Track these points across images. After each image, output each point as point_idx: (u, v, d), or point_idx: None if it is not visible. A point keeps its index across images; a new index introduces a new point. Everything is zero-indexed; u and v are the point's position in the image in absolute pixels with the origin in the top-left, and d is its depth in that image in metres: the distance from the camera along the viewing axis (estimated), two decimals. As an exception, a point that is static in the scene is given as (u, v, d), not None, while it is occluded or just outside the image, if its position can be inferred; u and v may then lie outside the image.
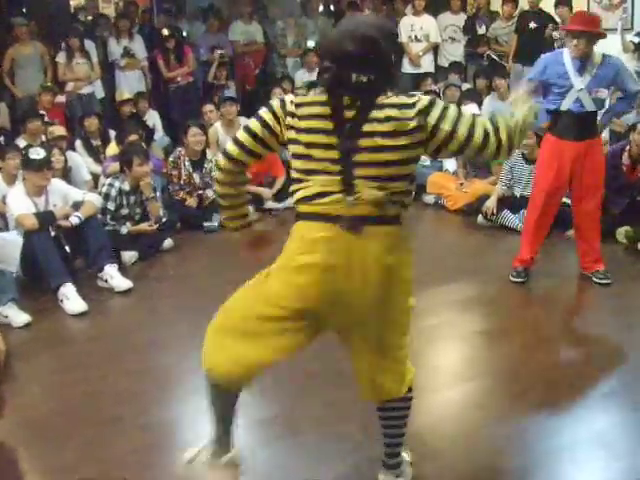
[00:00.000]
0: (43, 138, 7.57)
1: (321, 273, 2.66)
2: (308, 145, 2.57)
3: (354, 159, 2.55)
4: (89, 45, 9.53)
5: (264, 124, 2.72)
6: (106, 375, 4.25)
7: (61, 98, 9.15)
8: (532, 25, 9.15)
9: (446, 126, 2.56)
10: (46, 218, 5.67)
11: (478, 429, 3.63)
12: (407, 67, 10.07)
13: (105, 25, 10.66)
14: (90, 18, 11.30)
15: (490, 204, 6.69)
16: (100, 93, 9.65)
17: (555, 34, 8.65)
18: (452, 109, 2.59)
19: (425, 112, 2.54)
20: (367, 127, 2.52)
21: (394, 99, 2.56)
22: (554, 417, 3.73)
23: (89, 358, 4.52)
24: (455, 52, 10.20)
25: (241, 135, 2.75)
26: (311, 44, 10.73)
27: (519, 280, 5.54)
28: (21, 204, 5.71)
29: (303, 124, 2.59)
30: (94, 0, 12.07)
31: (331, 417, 3.77)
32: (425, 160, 8.08)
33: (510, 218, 6.62)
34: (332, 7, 12.89)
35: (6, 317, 5.07)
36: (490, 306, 5.15)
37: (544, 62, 5.25)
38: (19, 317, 5.09)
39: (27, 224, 5.53)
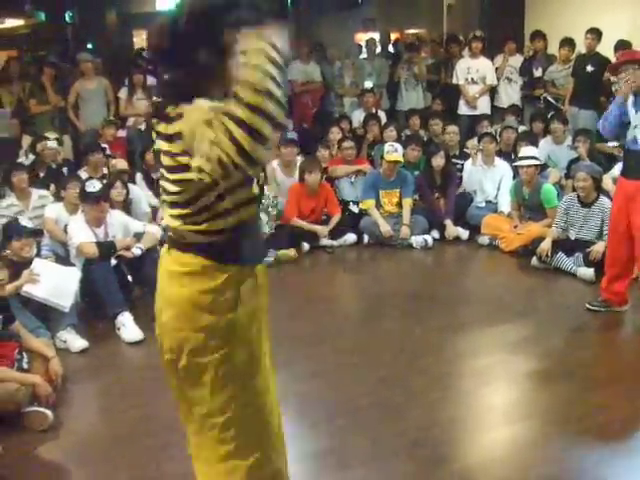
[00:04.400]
0: (104, 171, 7.77)
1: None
2: None
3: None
4: (151, 81, 9.75)
5: None
6: (159, 402, 4.31)
7: (122, 132, 9.38)
8: (589, 69, 9.14)
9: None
10: (107, 248, 5.80)
11: (528, 470, 3.61)
12: (463, 109, 10.13)
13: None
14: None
15: (545, 246, 6.66)
16: (161, 128, 9.86)
17: (613, 78, 8.63)
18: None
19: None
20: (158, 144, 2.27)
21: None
22: (605, 462, 3.68)
23: (143, 385, 4.59)
24: (512, 93, 10.22)
25: None
26: (368, 84, 10.85)
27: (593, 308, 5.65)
28: (82, 233, 5.85)
29: None
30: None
31: (380, 452, 3.77)
32: (480, 202, 8.11)
33: (565, 261, 6.58)
34: (390, 48, 13.02)
35: (64, 342, 5.20)
36: (543, 347, 5.11)
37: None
38: (77, 342, 5.21)
39: (88, 252, 5.67)
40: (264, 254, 2.45)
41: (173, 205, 2.32)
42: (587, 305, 5.68)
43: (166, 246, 2.49)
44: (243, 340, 2.39)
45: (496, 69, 10.11)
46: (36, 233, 5.74)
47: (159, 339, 2.47)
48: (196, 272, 2.33)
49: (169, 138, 2.19)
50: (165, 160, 2.26)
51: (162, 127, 2.23)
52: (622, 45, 8.70)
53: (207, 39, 2.16)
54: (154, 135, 2.31)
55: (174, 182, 2.26)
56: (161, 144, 2.25)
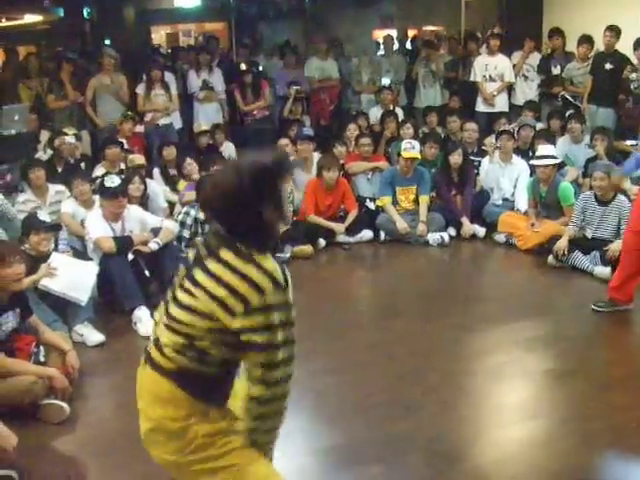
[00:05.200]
0: (122, 166, 7.81)
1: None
2: None
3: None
4: (169, 77, 9.78)
5: None
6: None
7: (140, 128, 9.41)
8: (608, 67, 9.08)
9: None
10: (124, 242, 5.83)
11: (541, 468, 3.60)
12: (481, 106, 10.10)
13: (185, 58, 10.97)
14: (170, 51, 11.62)
15: (561, 245, 6.63)
16: (178, 124, 9.89)
17: (632, 76, 8.59)
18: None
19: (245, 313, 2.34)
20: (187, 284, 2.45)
21: (236, 262, 2.37)
22: (620, 460, 3.68)
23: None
24: (528, 91, 10.18)
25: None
26: (386, 81, 10.84)
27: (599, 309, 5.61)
28: (99, 228, 5.89)
29: None
30: (174, 34, 12.41)
31: (394, 449, 3.77)
32: (497, 200, 8.09)
33: (581, 259, 6.55)
34: (408, 45, 13.00)
35: (81, 335, 5.23)
36: (558, 346, 5.10)
37: None
38: (94, 336, 5.25)
39: (105, 247, 5.71)
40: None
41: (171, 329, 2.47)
42: (592, 306, 5.64)
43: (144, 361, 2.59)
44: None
45: (513, 66, 10.08)
46: (54, 228, 5.77)
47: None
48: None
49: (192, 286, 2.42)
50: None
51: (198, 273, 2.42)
52: (642, 43, 8.64)
53: (270, 198, 2.40)
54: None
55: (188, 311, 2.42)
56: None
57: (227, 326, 2.34)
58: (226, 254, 2.36)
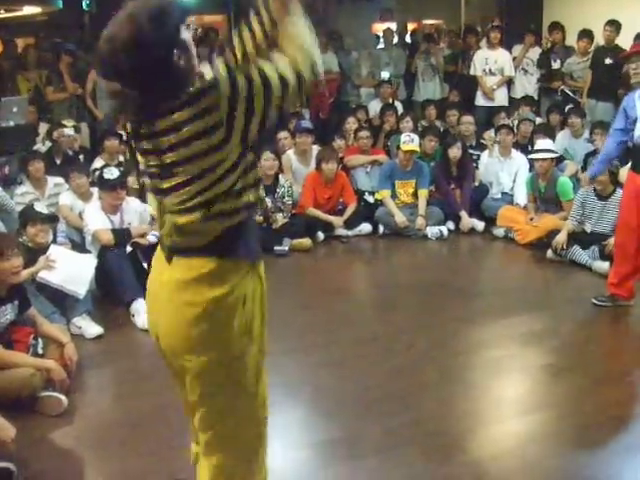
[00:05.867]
0: (121, 158, 7.79)
1: (147, 302, 2.56)
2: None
3: (155, 184, 2.31)
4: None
5: None
6: (173, 389, 4.32)
7: (139, 120, 9.37)
8: (607, 61, 9.07)
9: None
10: (122, 235, 5.83)
11: (539, 462, 3.59)
12: (481, 100, 10.09)
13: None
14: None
15: (560, 239, 6.63)
16: (176, 116, 9.85)
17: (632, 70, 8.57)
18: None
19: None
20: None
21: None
22: (617, 455, 3.67)
23: (157, 372, 4.58)
24: (527, 85, 10.17)
25: None
26: (385, 75, 10.82)
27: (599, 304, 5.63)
28: (98, 220, 5.89)
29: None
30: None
31: (392, 443, 3.77)
32: (496, 194, 8.09)
33: (580, 254, 6.55)
34: (407, 39, 12.98)
35: (79, 328, 5.23)
36: (556, 340, 5.09)
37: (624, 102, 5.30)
38: (92, 329, 5.24)
39: (103, 239, 5.71)
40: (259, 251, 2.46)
41: (179, 187, 2.23)
42: (593, 300, 5.66)
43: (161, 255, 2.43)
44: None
45: (513, 59, 10.06)
46: (51, 219, 5.76)
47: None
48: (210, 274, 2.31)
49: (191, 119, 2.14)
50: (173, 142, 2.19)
51: (162, 123, 2.17)
52: (642, 37, 8.64)
53: (176, 45, 2.16)
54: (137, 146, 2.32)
55: (187, 159, 2.18)
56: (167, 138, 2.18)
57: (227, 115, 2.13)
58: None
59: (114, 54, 2.10)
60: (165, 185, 2.26)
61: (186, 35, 2.22)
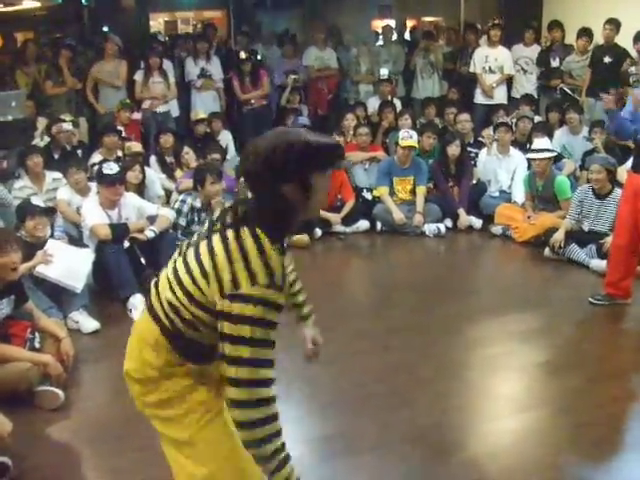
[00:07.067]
0: (119, 153, 7.79)
1: None
2: None
3: None
4: (167, 65, 9.75)
5: None
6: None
7: (137, 115, 9.38)
8: (607, 60, 9.07)
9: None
10: (120, 230, 5.83)
11: (534, 459, 3.61)
12: (480, 98, 10.08)
13: (183, 46, 10.95)
14: (168, 39, 11.59)
15: (558, 237, 6.64)
16: (175, 112, 9.86)
17: (632, 69, 8.57)
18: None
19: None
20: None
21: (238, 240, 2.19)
22: (612, 453, 3.69)
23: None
24: (526, 84, 10.16)
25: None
26: (384, 72, 10.81)
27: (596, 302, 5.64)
28: (95, 215, 5.89)
29: None
30: (173, 21, 12.35)
31: (388, 439, 3.79)
32: (494, 192, 8.09)
33: (577, 252, 6.56)
34: (407, 36, 12.98)
35: (77, 322, 5.24)
36: (553, 338, 5.10)
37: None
38: (89, 323, 5.25)
39: (101, 234, 5.71)
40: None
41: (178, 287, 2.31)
42: (590, 299, 5.66)
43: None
44: None
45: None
46: (49, 212, 5.76)
47: None
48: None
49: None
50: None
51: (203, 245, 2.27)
52: (641, 36, 8.63)
53: (299, 176, 2.20)
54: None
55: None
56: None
57: (212, 303, 2.19)
58: (230, 233, 2.20)
59: (246, 156, 2.25)
60: None
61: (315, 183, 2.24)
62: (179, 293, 2.28)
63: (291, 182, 2.18)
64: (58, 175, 6.97)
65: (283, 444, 2.28)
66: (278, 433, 2.24)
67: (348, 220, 7.81)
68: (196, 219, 6.51)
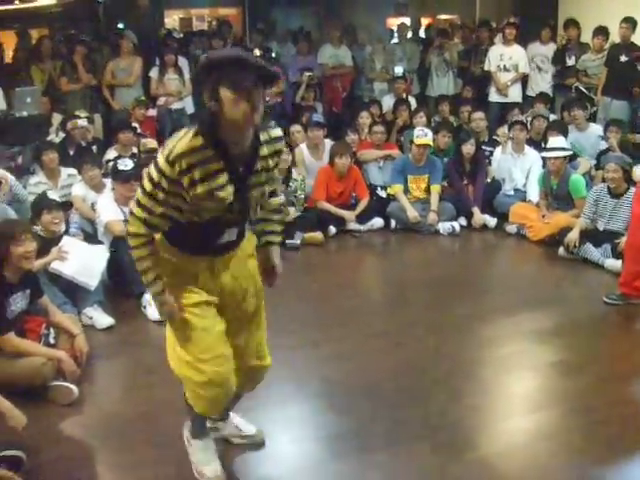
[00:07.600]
0: (134, 150, 7.81)
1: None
2: None
3: None
4: (182, 62, 9.77)
5: None
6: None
7: (152, 112, 9.41)
8: (623, 58, 9.02)
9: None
10: (134, 226, 5.82)
11: (547, 459, 3.60)
12: (494, 96, 10.05)
13: (198, 43, 10.96)
14: (183, 36, 11.61)
15: (572, 236, 6.61)
16: (190, 109, 9.87)
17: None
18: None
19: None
20: None
21: None
22: (626, 452, 3.67)
23: (167, 363, 4.62)
24: (541, 82, 10.13)
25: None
26: (399, 69, 10.79)
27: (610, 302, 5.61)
28: (110, 211, 5.90)
29: None
30: (188, 19, 12.37)
31: (401, 437, 3.78)
32: (509, 190, 8.07)
33: (592, 251, 6.52)
34: (422, 33, 12.95)
35: (91, 318, 5.25)
36: (567, 338, 5.08)
37: None
38: (103, 319, 5.26)
39: (116, 231, 5.71)
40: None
41: None
42: (604, 299, 5.63)
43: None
44: None
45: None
46: (65, 206, 5.77)
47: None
48: None
49: None
50: None
51: None
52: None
53: (208, 87, 2.72)
54: None
55: None
56: None
57: None
58: None
59: None
60: None
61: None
62: None
63: (207, 93, 2.71)
64: (73, 171, 6.99)
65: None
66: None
67: (362, 218, 7.79)
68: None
